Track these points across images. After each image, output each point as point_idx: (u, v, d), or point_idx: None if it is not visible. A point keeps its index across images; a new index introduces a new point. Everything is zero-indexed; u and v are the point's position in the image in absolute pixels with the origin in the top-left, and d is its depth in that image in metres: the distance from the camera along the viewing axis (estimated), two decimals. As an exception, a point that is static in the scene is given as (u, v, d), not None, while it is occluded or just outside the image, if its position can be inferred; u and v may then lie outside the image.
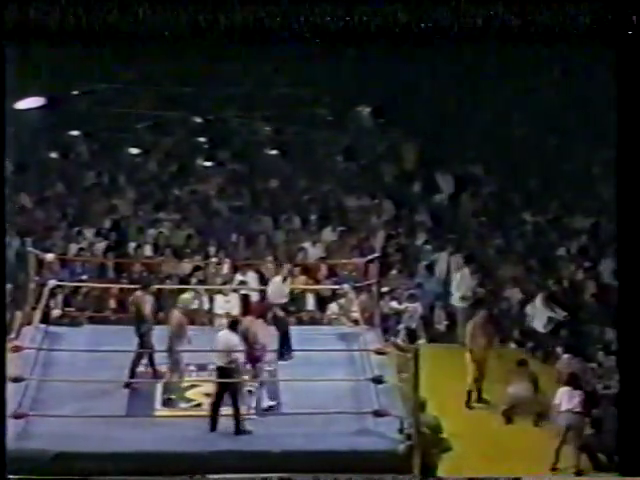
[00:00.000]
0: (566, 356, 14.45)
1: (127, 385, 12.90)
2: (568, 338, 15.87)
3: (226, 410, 12.13)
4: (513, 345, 16.50)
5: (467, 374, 14.46)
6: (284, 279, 14.33)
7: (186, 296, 13.41)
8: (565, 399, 13.25)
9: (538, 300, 16.35)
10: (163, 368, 13.06)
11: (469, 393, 14.47)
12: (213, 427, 12.10)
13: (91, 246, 17.53)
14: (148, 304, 13.24)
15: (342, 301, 15.90)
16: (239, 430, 11.99)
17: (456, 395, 14.42)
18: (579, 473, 12.87)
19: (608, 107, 18.77)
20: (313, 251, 17.63)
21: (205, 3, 11.33)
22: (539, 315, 16.26)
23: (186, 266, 16.83)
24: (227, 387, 12.15)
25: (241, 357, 12.33)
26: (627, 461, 10.04)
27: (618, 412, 11.75)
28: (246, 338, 12.54)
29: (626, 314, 9.97)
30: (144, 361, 13.13)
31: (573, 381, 13.49)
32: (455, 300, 16.64)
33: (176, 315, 13.07)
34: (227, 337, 12.37)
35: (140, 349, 13.06)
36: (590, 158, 19.76)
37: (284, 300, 14.23)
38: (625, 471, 10.10)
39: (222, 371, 12.28)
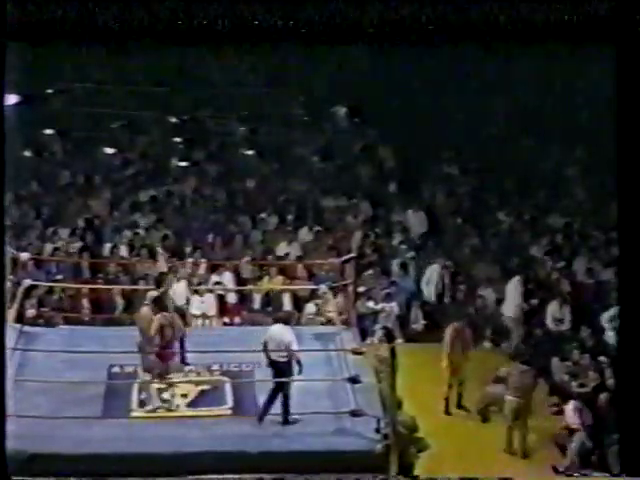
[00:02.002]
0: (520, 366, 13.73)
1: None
2: (542, 337, 16.00)
3: (204, 411, 12.13)
4: (487, 344, 16.55)
5: (443, 378, 14.34)
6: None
7: (154, 293, 13.14)
8: (578, 415, 13.17)
9: (553, 305, 16.36)
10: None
11: (446, 399, 14.39)
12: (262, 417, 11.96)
13: (66, 246, 17.44)
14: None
15: (319, 301, 15.90)
16: (287, 420, 11.92)
17: (433, 395, 14.44)
18: (570, 474, 12.94)
19: (583, 107, 19.01)
20: (290, 251, 17.60)
21: (181, 3, 11.30)
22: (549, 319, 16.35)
23: (161, 266, 16.75)
24: (282, 382, 11.97)
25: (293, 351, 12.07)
26: (628, 461, 10.03)
27: (618, 412, 11.76)
28: (166, 332, 12.20)
29: (627, 315, 9.96)
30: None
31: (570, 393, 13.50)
32: (508, 311, 16.38)
33: (146, 312, 12.69)
34: (281, 332, 12.11)
35: None
36: (564, 158, 19.89)
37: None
38: (625, 471, 10.11)
39: (276, 366, 12.06)
